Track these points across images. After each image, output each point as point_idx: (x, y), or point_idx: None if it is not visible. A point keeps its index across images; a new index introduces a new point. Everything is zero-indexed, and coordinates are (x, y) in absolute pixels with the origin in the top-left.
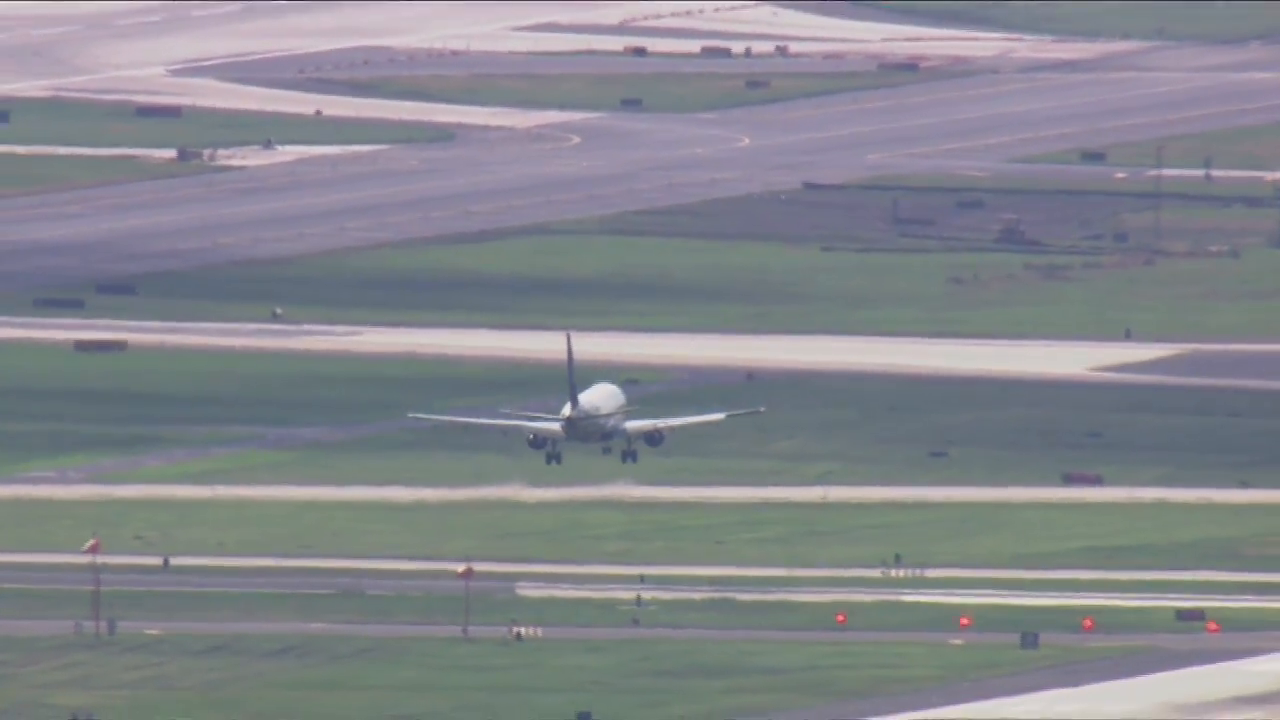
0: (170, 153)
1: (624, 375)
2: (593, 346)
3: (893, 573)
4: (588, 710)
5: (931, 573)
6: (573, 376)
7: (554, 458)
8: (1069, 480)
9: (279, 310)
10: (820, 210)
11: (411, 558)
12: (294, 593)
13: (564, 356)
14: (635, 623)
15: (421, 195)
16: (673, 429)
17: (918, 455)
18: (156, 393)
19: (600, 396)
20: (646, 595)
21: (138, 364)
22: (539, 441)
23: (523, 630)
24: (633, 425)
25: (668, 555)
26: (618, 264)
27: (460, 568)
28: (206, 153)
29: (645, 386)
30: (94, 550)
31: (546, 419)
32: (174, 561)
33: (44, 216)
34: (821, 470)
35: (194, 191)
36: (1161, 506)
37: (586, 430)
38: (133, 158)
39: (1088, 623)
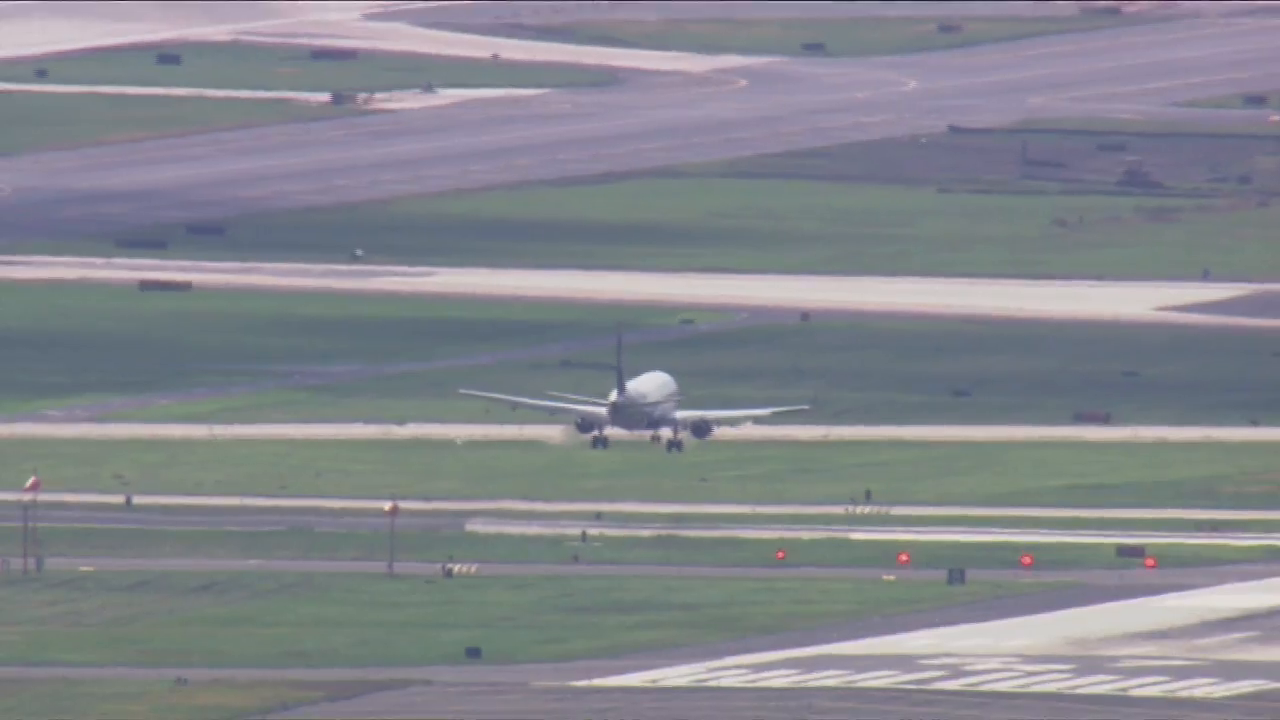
0: (325, 96)
1: (680, 315)
2: (657, 287)
3: (857, 510)
4: (478, 646)
5: (899, 510)
6: (621, 364)
7: (600, 442)
8: (1078, 419)
9: (359, 252)
10: (956, 154)
11: (380, 496)
12: (243, 530)
13: (627, 299)
14: (575, 559)
15: (559, 138)
16: (720, 421)
17: (941, 395)
18: (207, 332)
19: (649, 384)
20: (594, 532)
21: (198, 304)
22: (586, 425)
23: (456, 567)
24: (681, 415)
25: (642, 493)
26: (725, 207)
27: (387, 505)
28: (361, 96)
29: (698, 326)
30: (34, 488)
31: (594, 402)
32: (141, 500)
33: (166, 159)
34: (839, 410)
35: (332, 134)
36: (1161, 445)
37: (632, 416)
38: (288, 101)
39: (1027, 559)
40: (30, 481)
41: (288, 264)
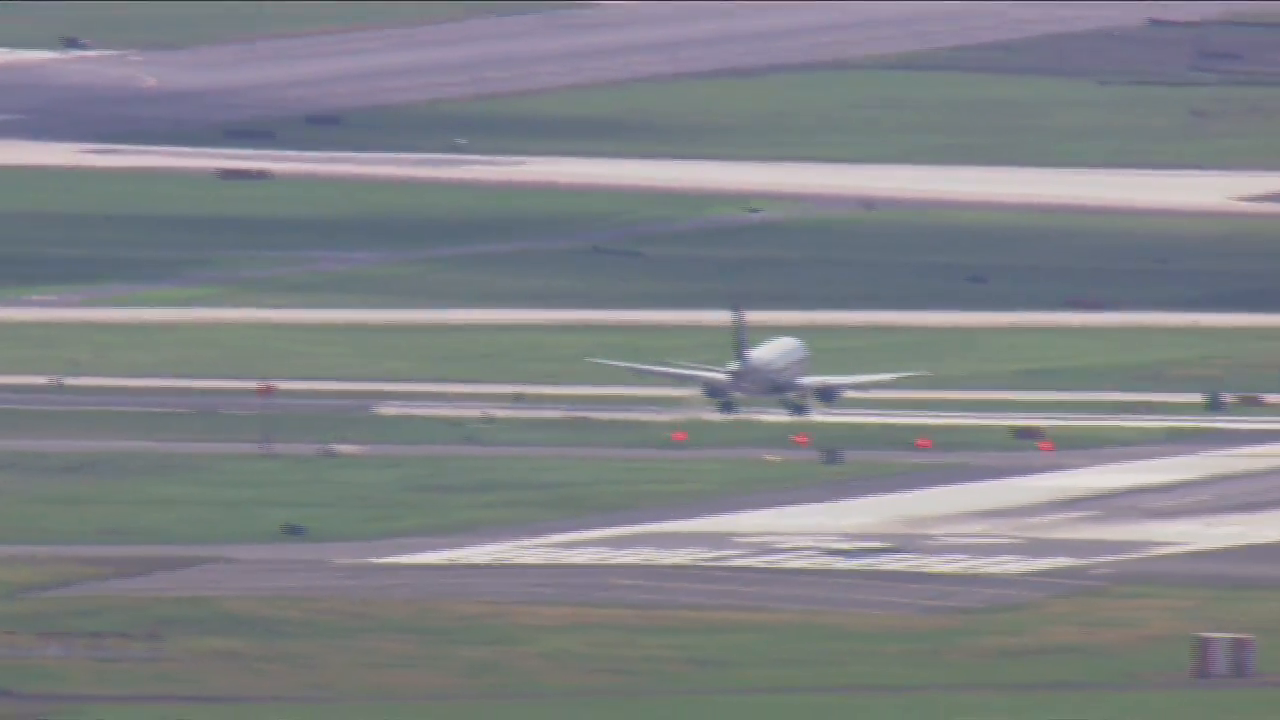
0: None
1: (748, 204)
2: (742, 176)
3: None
4: (302, 525)
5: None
6: (744, 336)
7: (727, 407)
8: (1068, 304)
9: (461, 141)
10: (1142, 46)
11: (324, 378)
12: (149, 412)
13: (702, 187)
14: (467, 440)
15: (739, 32)
16: (845, 386)
17: (955, 283)
18: (263, 219)
19: (773, 351)
20: (501, 415)
21: (271, 192)
22: (713, 391)
23: (339, 448)
24: (806, 381)
25: (585, 376)
26: (864, 99)
27: (257, 385)
28: None
29: (761, 213)
30: None
31: (716, 370)
32: (77, 383)
33: (324, 54)
34: (845, 295)
35: (519, 28)
36: (1141, 331)
37: (755, 383)
38: None
39: (923, 441)
40: None
41: (379, 154)
